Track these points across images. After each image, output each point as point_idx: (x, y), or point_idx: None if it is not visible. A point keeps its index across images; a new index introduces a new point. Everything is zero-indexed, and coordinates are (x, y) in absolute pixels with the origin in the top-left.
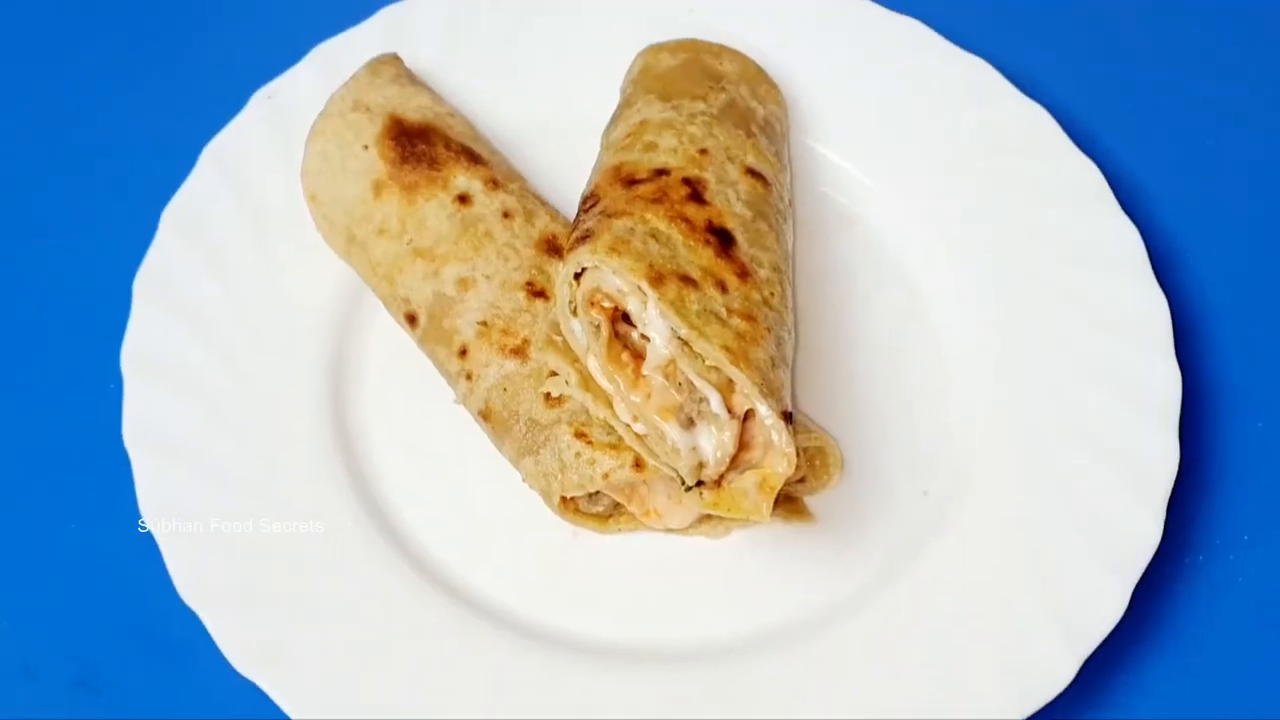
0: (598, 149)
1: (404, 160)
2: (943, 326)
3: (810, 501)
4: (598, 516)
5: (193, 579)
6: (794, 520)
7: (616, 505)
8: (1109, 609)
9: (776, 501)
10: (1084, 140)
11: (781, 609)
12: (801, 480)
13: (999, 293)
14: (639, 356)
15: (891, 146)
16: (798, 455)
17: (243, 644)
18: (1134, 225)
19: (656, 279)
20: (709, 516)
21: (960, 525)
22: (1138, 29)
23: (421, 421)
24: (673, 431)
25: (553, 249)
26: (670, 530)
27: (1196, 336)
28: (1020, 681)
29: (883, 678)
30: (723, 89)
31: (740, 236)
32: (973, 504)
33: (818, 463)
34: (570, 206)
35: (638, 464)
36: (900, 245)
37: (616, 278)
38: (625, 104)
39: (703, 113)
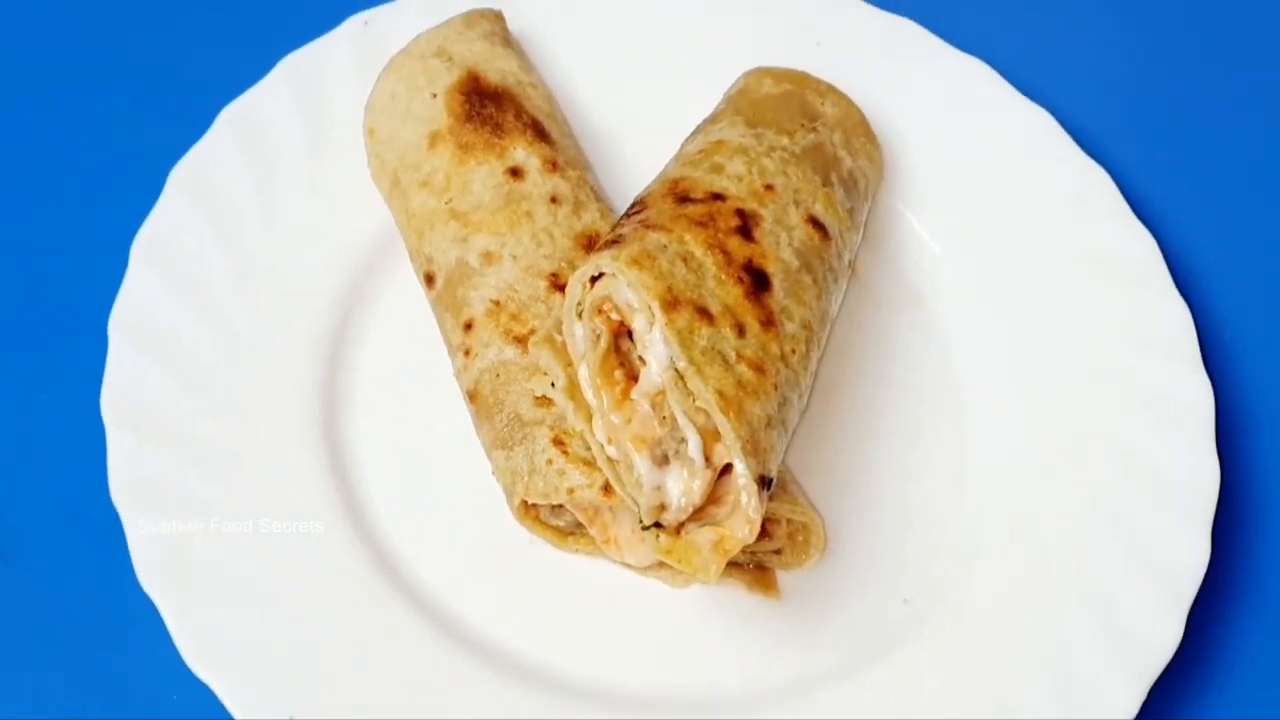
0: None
1: (468, 118)
2: (974, 439)
3: (782, 578)
4: (557, 530)
5: (151, 564)
6: (758, 591)
7: (579, 524)
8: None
9: (748, 568)
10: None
11: (727, 676)
12: (778, 552)
13: (1043, 419)
14: (632, 378)
15: (985, 238)
16: (776, 526)
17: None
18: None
19: (670, 303)
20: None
21: (936, 641)
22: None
23: (411, 394)
24: (642, 464)
25: (590, 246)
26: (627, 565)
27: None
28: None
29: None
30: (814, 129)
31: (777, 283)
32: (953, 622)
33: (799, 539)
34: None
35: (607, 489)
36: (961, 341)
37: (631, 291)
38: (711, 120)
39: (784, 148)
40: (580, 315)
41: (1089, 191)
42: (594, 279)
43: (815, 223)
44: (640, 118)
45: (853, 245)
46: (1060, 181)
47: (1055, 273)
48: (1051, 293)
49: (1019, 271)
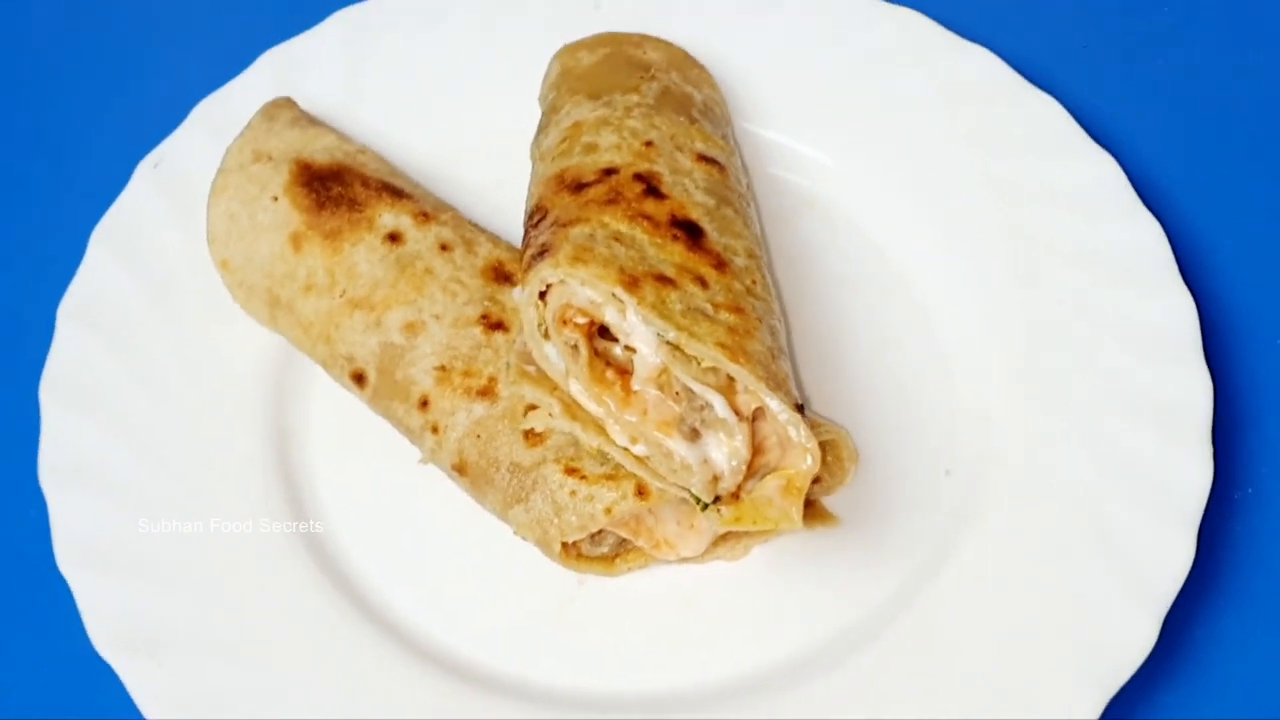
0: (528, 165)
1: (320, 206)
2: (931, 302)
3: (828, 503)
4: (603, 559)
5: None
6: (818, 525)
7: (622, 542)
8: (1177, 562)
9: None
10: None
11: (816, 626)
12: (816, 480)
13: (977, 257)
14: (626, 372)
15: (837, 119)
16: None
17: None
18: (1112, 158)
19: (631, 283)
20: (726, 537)
21: (994, 500)
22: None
23: (387, 493)
24: (679, 447)
25: (501, 276)
26: (685, 560)
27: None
28: (1096, 662)
29: (940, 681)
30: (653, 77)
31: (708, 226)
32: (1001, 477)
33: (830, 458)
34: (510, 230)
35: (641, 491)
36: (867, 221)
37: (587, 289)
38: (551, 110)
39: (638, 104)
40: (546, 335)
41: (983, 74)
42: (542, 295)
43: (705, 159)
44: (467, 144)
45: (741, 168)
46: (942, 71)
47: (939, 140)
48: (941, 155)
49: (902, 150)
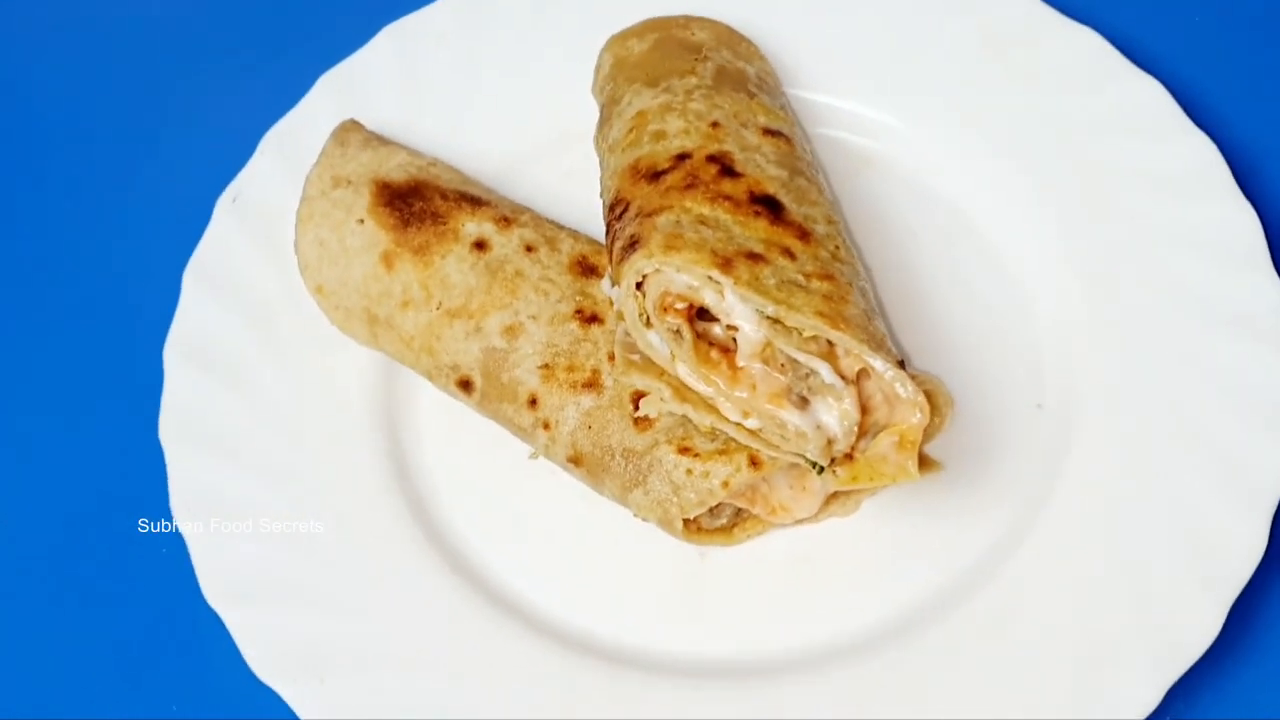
0: (593, 157)
1: (406, 223)
2: (1002, 243)
3: (928, 450)
4: (722, 530)
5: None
6: (924, 472)
7: (738, 512)
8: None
9: None
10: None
11: (924, 577)
12: None
13: (1043, 197)
14: (729, 351)
15: (886, 75)
16: None
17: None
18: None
19: (724, 264)
20: (836, 495)
21: (1088, 435)
22: None
23: (506, 491)
24: (791, 416)
25: (587, 270)
26: (800, 521)
27: None
28: (1161, 646)
29: (1019, 649)
30: (706, 58)
31: (785, 199)
32: (1093, 410)
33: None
34: (586, 223)
35: (754, 462)
36: (928, 174)
37: (683, 274)
38: (610, 101)
39: (697, 86)
40: (648, 323)
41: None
42: (639, 285)
43: (770, 132)
44: (533, 146)
45: (804, 136)
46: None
47: (994, 86)
48: (997, 101)
49: (953, 98)
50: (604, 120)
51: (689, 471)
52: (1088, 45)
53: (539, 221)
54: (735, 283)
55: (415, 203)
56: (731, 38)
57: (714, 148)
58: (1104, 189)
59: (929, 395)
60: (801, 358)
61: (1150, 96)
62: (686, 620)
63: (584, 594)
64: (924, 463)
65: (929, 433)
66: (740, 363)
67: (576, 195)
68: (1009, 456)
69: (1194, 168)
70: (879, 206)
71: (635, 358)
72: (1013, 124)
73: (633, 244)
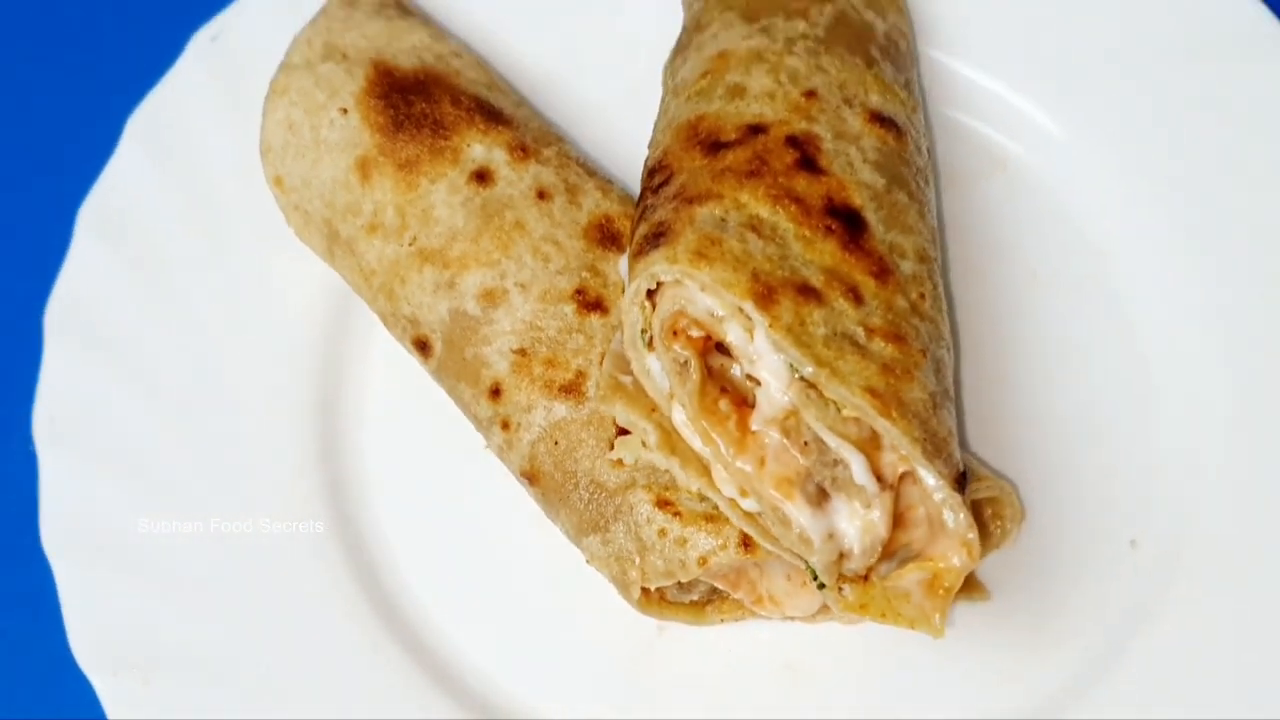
0: (660, 90)
1: (398, 126)
2: (1139, 306)
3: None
4: (691, 606)
5: None
6: (961, 597)
7: (715, 590)
8: None
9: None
10: None
11: (957, 712)
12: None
13: (1209, 263)
14: (743, 405)
15: (1058, 61)
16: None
17: None
18: None
19: (765, 296)
20: None
21: (1184, 590)
22: None
23: (445, 488)
24: (799, 513)
25: (608, 237)
26: (791, 619)
27: None
28: None
29: None
30: None
31: (872, 217)
32: (1195, 558)
33: (988, 513)
34: (629, 172)
35: (746, 543)
36: (1070, 198)
37: (708, 295)
38: (695, 27)
39: (804, 35)
40: (650, 345)
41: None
42: (651, 293)
43: (880, 119)
44: (588, 54)
45: (923, 128)
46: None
47: (1190, 111)
48: (1190, 137)
49: (1135, 113)
50: (680, 46)
51: (662, 532)
52: None
53: (565, 160)
54: (771, 324)
55: (417, 102)
56: None
57: (800, 126)
58: None
59: (996, 503)
60: (832, 441)
61: None
62: (622, 705)
63: (508, 641)
64: (968, 585)
65: (986, 547)
66: (754, 426)
67: (633, 124)
68: (1079, 600)
69: None
70: (998, 228)
71: (626, 380)
72: (1200, 163)
73: (658, 236)
